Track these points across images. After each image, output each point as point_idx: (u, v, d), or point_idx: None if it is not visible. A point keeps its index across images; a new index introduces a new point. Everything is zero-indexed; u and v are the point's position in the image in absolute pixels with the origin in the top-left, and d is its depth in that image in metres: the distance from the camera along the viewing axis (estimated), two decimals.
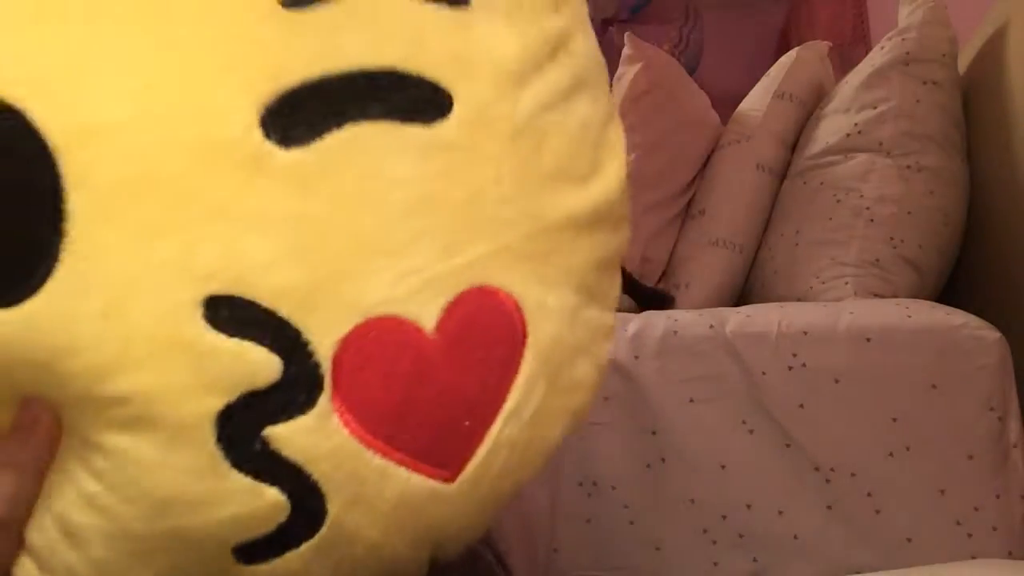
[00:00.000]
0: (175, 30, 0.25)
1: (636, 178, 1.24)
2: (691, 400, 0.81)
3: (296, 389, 0.25)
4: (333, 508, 0.26)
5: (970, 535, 0.73)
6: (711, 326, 0.84)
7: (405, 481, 0.26)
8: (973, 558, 0.73)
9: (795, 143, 1.23)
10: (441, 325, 0.26)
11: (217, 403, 0.24)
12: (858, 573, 0.71)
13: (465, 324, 0.27)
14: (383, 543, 0.27)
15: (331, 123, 0.26)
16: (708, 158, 1.31)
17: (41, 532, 0.27)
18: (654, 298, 1.12)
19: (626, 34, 1.41)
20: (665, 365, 0.82)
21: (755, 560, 0.77)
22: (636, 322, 0.88)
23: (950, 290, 1.02)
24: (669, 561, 0.79)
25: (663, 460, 0.80)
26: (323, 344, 0.25)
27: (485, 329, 0.28)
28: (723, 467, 0.79)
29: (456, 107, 0.27)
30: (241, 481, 0.25)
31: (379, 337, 0.26)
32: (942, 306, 0.83)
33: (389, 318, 0.26)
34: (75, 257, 0.24)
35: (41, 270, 0.24)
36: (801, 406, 0.78)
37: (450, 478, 0.27)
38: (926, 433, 0.76)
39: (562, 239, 0.30)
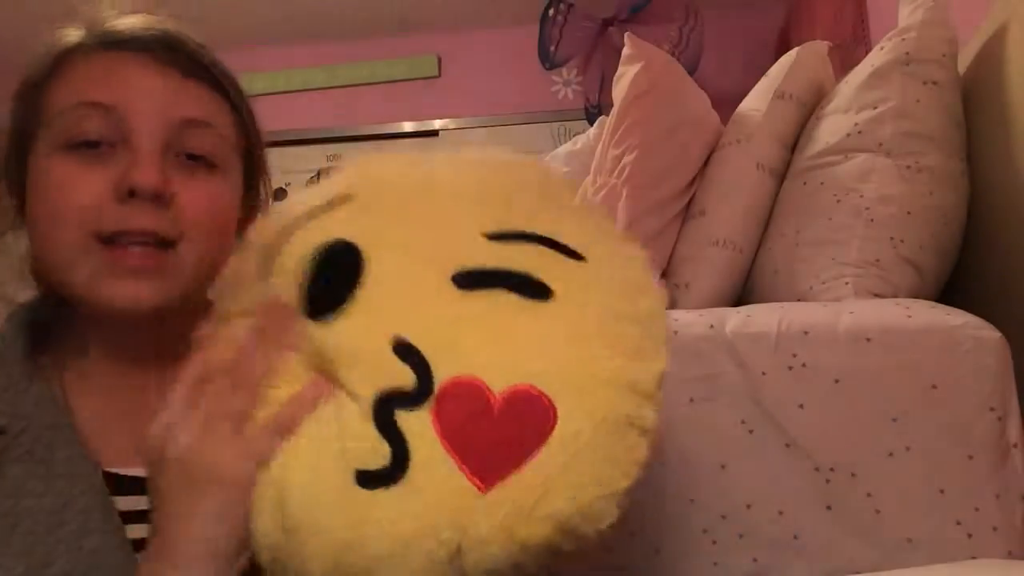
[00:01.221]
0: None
1: (636, 178, 1.25)
2: (691, 400, 0.81)
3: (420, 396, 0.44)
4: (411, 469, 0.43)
5: (970, 535, 0.73)
6: (711, 326, 0.84)
7: (452, 468, 0.43)
8: (973, 558, 0.73)
9: (795, 143, 1.23)
10: (505, 398, 0.44)
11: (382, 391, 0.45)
12: (858, 573, 0.71)
13: (518, 400, 0.44)
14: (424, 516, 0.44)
15: None
16: (708, 158, 1.31)
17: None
18: None
19: (626, 34, 1.41)
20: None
21: (755, 560, 0.77)
22: None
23: (950, 290, 1.02)
24: (669, 561, 0.79)
25: (663, 460, 0.80)
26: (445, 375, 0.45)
27: (530, 409, 0.44)
28: (723, 467, 0.79)
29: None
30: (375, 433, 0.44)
31: (467, 386, 0.44)
32: (942, 306, 0.83)
33: (476, 379, 0.45)
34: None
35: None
36: (801, 406, 0.78)
37: (482, 488, 0.43)
38: (926, 433, 0.76)
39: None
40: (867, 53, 1.16)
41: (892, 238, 0.96)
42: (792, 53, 1.32)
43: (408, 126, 3.42)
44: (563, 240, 0.50)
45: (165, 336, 0.60)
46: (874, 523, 0.75)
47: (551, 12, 2.96)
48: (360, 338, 0.46)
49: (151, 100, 0.58)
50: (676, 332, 0.84)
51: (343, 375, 0.45)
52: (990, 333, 0.77)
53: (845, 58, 1.98)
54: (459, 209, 0.51)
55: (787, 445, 0.78)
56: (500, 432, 0.44)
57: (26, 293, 0.65)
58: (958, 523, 0.74)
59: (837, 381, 0.78)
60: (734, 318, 0.85)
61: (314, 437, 0.45)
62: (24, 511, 0.51)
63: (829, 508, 0.76)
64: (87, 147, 0.57)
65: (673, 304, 1.14)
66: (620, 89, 1.34)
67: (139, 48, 0.59)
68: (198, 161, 0.60)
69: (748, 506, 0.78)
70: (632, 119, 1.28)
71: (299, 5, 3.15)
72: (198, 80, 0.61)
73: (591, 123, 2.14)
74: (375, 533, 0.43)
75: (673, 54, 2.52)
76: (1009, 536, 0.73)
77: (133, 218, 0.55)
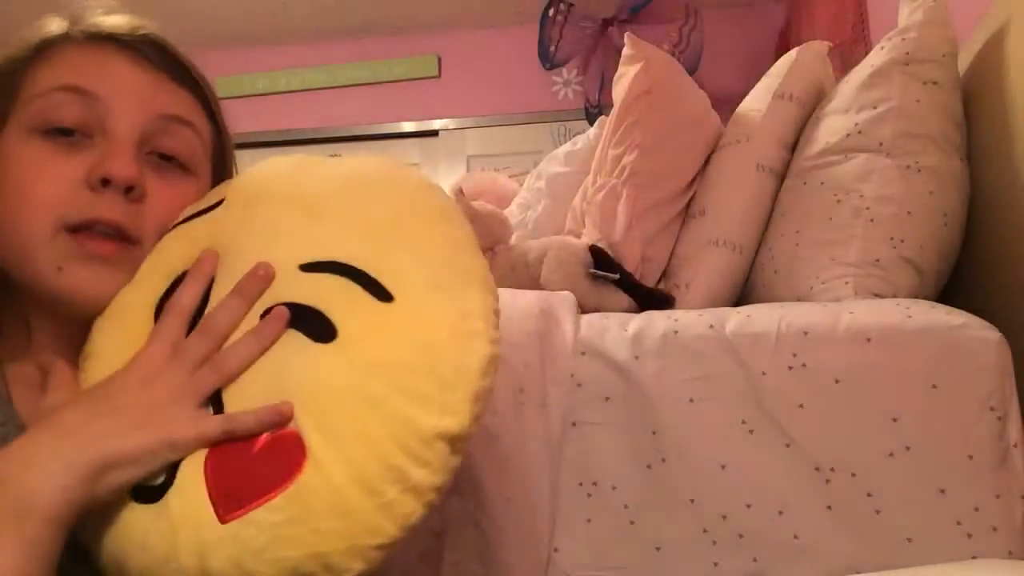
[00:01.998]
0: None
1: (636, 178, 1.24)
2: (691, 400, 0.81)
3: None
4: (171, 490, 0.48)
5: (970, 535, 0.73)
6: (711, 326, 0.84)
7: (202, 495, 0.46)
8: (973, 558, 0.73)
9: (795, 143, 1.23)
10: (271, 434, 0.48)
11: None
12: (858, 573, 0.71)
13: (279, 440, 0.47)
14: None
15: None
16: (708, 158, 1.31)
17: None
18: (654, 298, 1.12)
19: (626, 34, 1.41)
20: (665, 365, 0.82)
21: (755, 560, 0.77)
22: (636, 322, 0.88)
23: (950, 290, 1.02)
24: (669, 561, 0.79)
25: (663, 460, 0.80)
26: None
27: (285, 449, 0.47)
28: (723, 467, 0.79)
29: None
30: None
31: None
32: (942, 306, 0.83)
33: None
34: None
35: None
36: (801, 406, 0.78)
37: (221, 519, 0.45)
38: (926, 433, 0.76)
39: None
40: (867, 53, 1.16)
41: (892, 238, 0.96)
42: (792, 53, 1.31)
43: (408, 126, 3.41)
44: (381, 277, 0.50)
45: None
46: (874, 523, 0.75)
47: (551, 12, 2.96)
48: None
49: (132, 93, 0.58)
50: (676, 332, 0.84)
51: None
52: (990, 333, 0.77)
53: (845, 58, 1.98)
54: (292, 229, 0.55)
55: (787, 445, 0.78)
56: (251, 468, 0.46)
57: None
58: (958, 523, 0.74)
59: (837, 381, 0.78)
60: (734, 318, 0.85)
61: None
62: None
63: (829, 508, 0.76)
64: (61, 134, 0.56)
65: (673, 304, 1.14)
66: (620, 89, 1.34)
67: (125, 44, 0.59)
68: (171, 162, 0.60)
69: (748, 506, 0.78)
70: (632, 119, 1.28)
71: (299, 5, 3.15)
72: (179, 81, 0.61)
73: (591, 123, 2.14)
74: (134, 548, 0.46)
75: (673, 54, 2.52)
76: (1009, 536, 0.73)
77: (103, 208, 0.55)
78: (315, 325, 0.49)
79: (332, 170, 0.60)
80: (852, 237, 0.98)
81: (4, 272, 0.59)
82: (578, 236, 1.35)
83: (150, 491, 0.47)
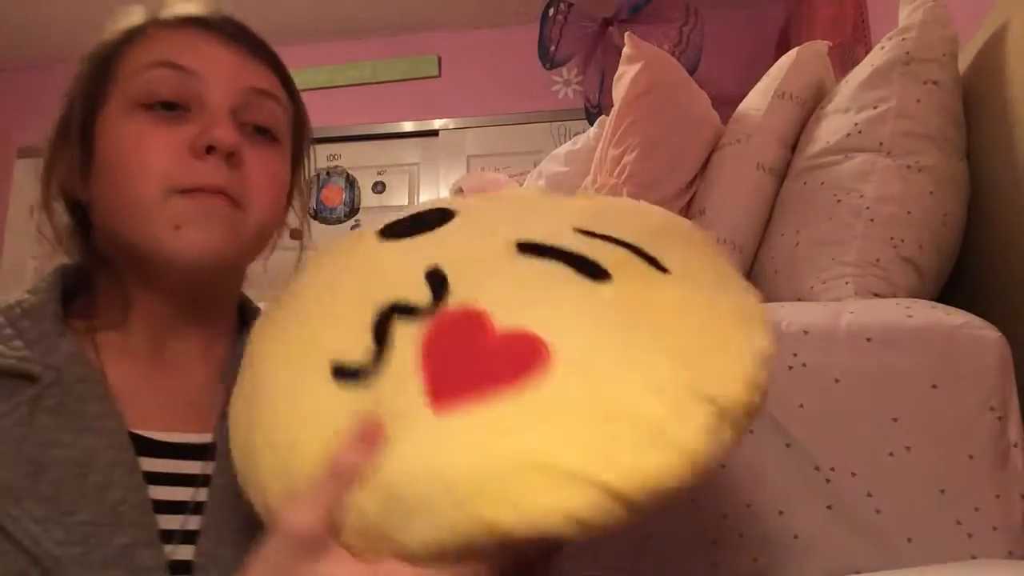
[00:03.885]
0: None
1: (636, 178, 1.25)
2: None
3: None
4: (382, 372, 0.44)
5: (970, 535, 0.73)
6: None
7: (414, 381, 0.42)
8: (973, 558, 0.73)
9: (795, 143, 1.23)
10: (501, 337, 0.42)
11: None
12: (858, 573, 0.71)
13: (515, 340, 0.42)
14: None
15: None
16: (708, 158, 1.31)
17: None
18: None
19: (626, 34, 1.41)
20: None
21: (755, 560, 0.77)
22: None
23: (950, 290, 1.02)
24: (669, 561, 0.79)
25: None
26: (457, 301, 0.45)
27: (523, 349, 0.42)
28: (723, 467, 0.79)
29: None
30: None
31: (470, 314, 0.44)
32: (942, 306, 0.83)
33: (482, 311, 0.44)
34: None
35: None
36: (801, 406, 0.78)
37: (431, 406, 0.41)
38: (926, 433, 0.76)
39: None
40: (867, 53, 1.16)
41: (892, 238, 0.96)
42: (792, 53, 1.31)
43: (408, 126, 3.41)
44: (659, 257, 0.47)
45: (204, 307, 0.64)
46: (874, 523, 0.75)
47: (551, 12, 2.96)
48: (404, 260, 0.48)
49: (224, 68, 0.62)
50: None
51: (377, 287, 0.47)
52: (990, 333, 0.77)
53: (845, 58, 1.98)
54: (556, 204, 0.54)
55: (787, 445, 0.78)
56: (477, 360, 0.41)
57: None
58: (958, 523, 0.74)
59: (837, 381, 0.78)
60: None
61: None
62: (51, 459, 0.52)
63: (829, 508, 0.76)
64: (162, 108, 0.60)
65: None
66: (620, 89, 1.34)
67: (208, 26, 0.64)
68: (262, 134, 0.64)
69: (748, 506, 0.78)
70: (632, 119, 1.28)
71: (299, 6, 3.15)
72: (261, 58, 0.65)
73: (591, 123, 2.14)
74: (317, 435, 0.43)
75: (673, 54, 2.52)
76: (1009, 536, 0.73)
77: (208, 174, 0.58)
78: (588, 266, 0.45)
79: (569, 201, 0.58)
80: (852, 237, 0.98)
81: (108, 245, 0.63)
82: None
83: (350, 372, 0.44)
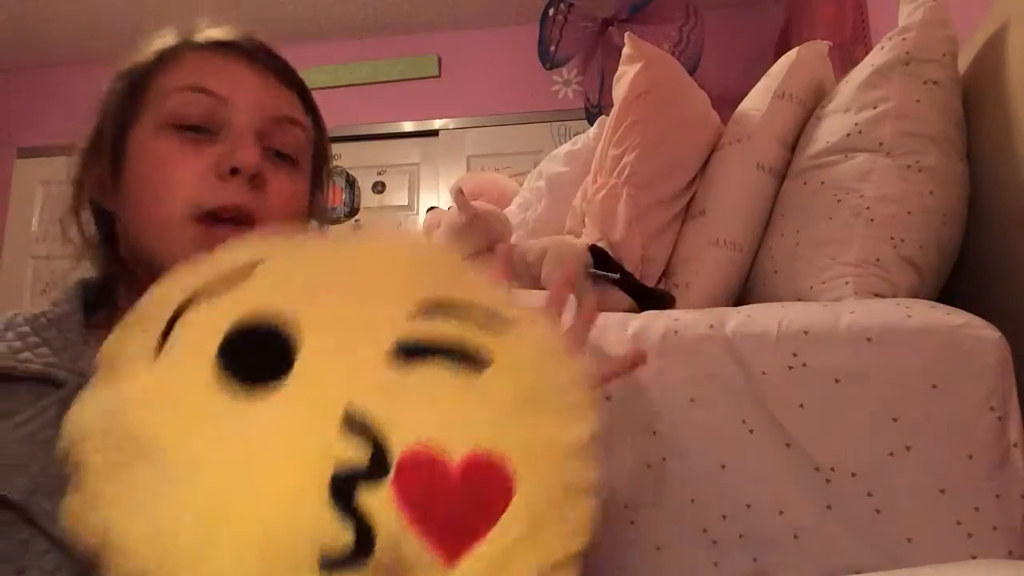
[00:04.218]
0: None
1: (636, 178, 1.25)
2: (691, 400, 0.81)
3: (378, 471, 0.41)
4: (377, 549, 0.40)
5: (970, 535, 0.73)
6: (711, 326, 0.84)
7: (418, 544, 0.40)
8: (973, 558, 0.73)
9: (795, 143, 1.23)
10: (462, 466, 0.42)
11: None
12: (858, 573, 0.71)
13: (477, 468, 0.42)
14: None
15: None
16: (708, 158, 1.31)
17: None
18: (654, 298, 1.12)
19: (626, 34, 1.41)
20: (665, 365, 0.82)
21: (755, 560, 0.77)
22: (636, 322, 0.88)
23: (950, 290, 1.02)
24: (669, 561, 0.79)
25: (663, 460, 0.80)
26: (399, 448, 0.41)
27: (490, 477, 0.42)
28: (723, 467, 0.79)
29: None
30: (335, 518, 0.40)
31: (424, 456, 0.42)
32: (942, 306, 0.83)
33: (431, 449, 0.42)
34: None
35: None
36: (801, 406, 0.78)
37: (446, 562, 0.40)
38: (926, 433, 0.76)
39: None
40: (867, 53, 1.16)
41: (892, 238, 0.96)
42: (792, 53, 1.32)
43: (408, 126, 3.42)
44: (486, 305, 0.49)
45: None
46: (874, 523, 0.75)
47: (551, 12, 2.96)
48: (304, 414, 0.42)
49: (251, 94, 0.65)
50: (676, 332, 0.84)
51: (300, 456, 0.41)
52: (990, 333, 0.77)
53: (845, 58, 1.98)
54: (380, 282, 0.50)
55: (787, 445, 0.78)
56: (461, 503, 0.42)
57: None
58: (958, 523, 0.74)
59: (837, 381, 0.78)
60: (734, 318, 0.85)
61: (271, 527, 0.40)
62: None
63: (829, 508, 0.76)
64: (190, 130, 0.62)
65: (673, 304, 1.14)
66: (620, 89, 1.34)
67: (241, 51, 0.66)
68: (284, 159, 0.67)
69: (748, 506, 0.78)
70: (632, 119, 1.28)
71: (298, 6, 3.15)
72: (286, 82, 0.68)
73: (591, 123, 2.14)
74: None
75: (673, 54, 2.52)
76: (1009, 536, 0.73)
77: (230, 194, 0.61)
78: (463, 359, 0.46)
79: (352, 239, 0.56)
80: (852, 237, 0.98)
81: (130, 255, 0.65)
82: (578, 236, 1.35)
83: (343, 562, 0.40)
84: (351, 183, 3.40)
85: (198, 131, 0.63)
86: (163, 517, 0.40)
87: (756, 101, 1.29)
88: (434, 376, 0.45)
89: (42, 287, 3.37)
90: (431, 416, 0.43)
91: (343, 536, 0.40)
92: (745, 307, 0.91)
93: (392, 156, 3.43)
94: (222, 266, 0.49)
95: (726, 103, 1.42)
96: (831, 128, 1.12)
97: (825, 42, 1.36)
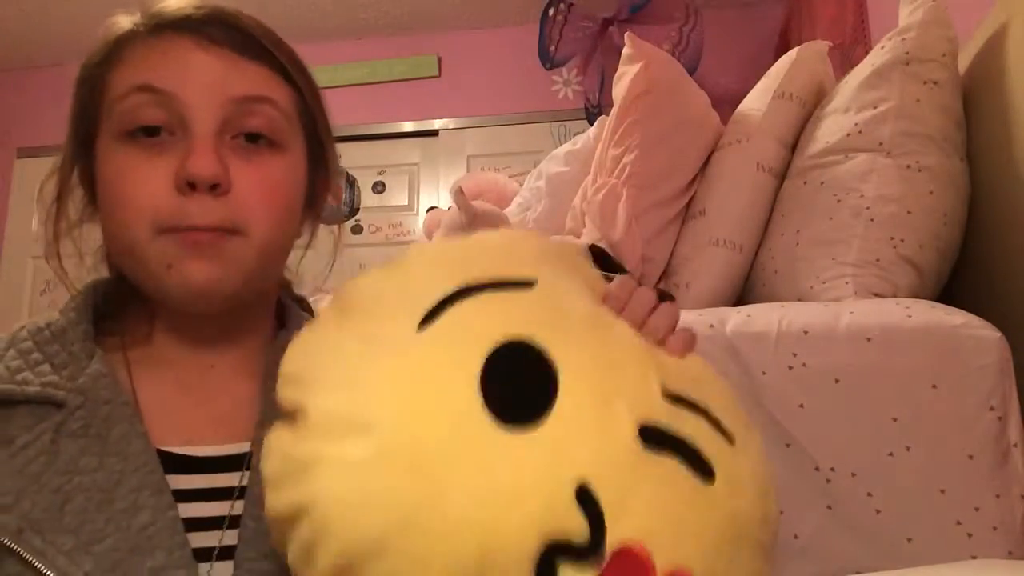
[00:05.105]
0: None
1: (636, 178, 1.25)
2: None
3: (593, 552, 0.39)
4: None
5: (970, 535, 0.73)
6: (711, 326, 0.84)
7: None
8: (973, 558, 0.73)
9: (795, 143, 1.23)
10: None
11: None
12: (858, 573, 0.71)
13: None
14: None
15: None
16: (708, 158, 1.31)
17: None
18: None
19: (626, 34, 1.41)
20: None
21: None
22: None
23: (950, 290, 1.02)
24: None
25: None
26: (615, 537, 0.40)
27: None
28: None
29: None
30: None
31: (635, 557, 0.40)
32: (942, 306, 0.83)
33: (644, 551, 0.40)
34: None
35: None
36: (801, 406, 0.78)
37: None
38: (926, 433, 0.76)
39: None
40: (867, 53, 1.16)
41: (892, 238, 0.96)
42: (792, 53, 1.32)
43: (408, 126, 3.41)
44: (721, 418, 0.47)
45: (230, 319, 0.61)
46: (874, 523, 0.75)
47: (551, 12, 2.96)
48: (544, 470, 0.39)
49: (205, 81, 0.57)
50: None
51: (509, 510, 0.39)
52: (990, 333, 0.77)
53: (845, 58, 1.98)
54: (630, 353, 0.46)
55: (787, 445, 0.78)
56: None
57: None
58: (958, 523, 0.74)
59: (837, 381, 0.78)
60: (734, 318, 0.85)
61: None
62: (75, 487, 0.51)
63: (829, 508, 0.76)
64: (146, 135, 0.56)
65: None
66: (620, 89, 1.34)
67: (191, 29, 0.58)
68: (257, 142, 0.58)
69: None
70: (632, 119, 1.28)
71: (299, 6, 3.15)
72: (250, 56, 0.59)
73: (591, 123, 2.14)
74: None
75: (673, 54, 2.52)
76: (1009, 536, 0.73)
77: (194, 212, 0.55)
78: (697, 462, 0.44)
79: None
80: (852, 237, 0.98)
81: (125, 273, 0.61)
82: (578, 236, 1.35)
83: None
84: (351, 183, 3.40)
85: (153, 134, 0.56)
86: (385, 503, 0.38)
87: (756, 101, 1.29)
88: (671, 471, 0.43)
89: (42, 287, 3.37)
90: (655, 512, 0.41)
91: None
92: (745, 307, 0.91)
93: (392, 156, 3.43)
94: (493, 262, 0.47)
95: (726, 103, 1.42)
96: (831, 128, 1.12)
97: (825, 42, 1.36)
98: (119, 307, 0.63)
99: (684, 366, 0.51)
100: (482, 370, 0.41)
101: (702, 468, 0.43)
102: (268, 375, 0.59)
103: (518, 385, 0.41)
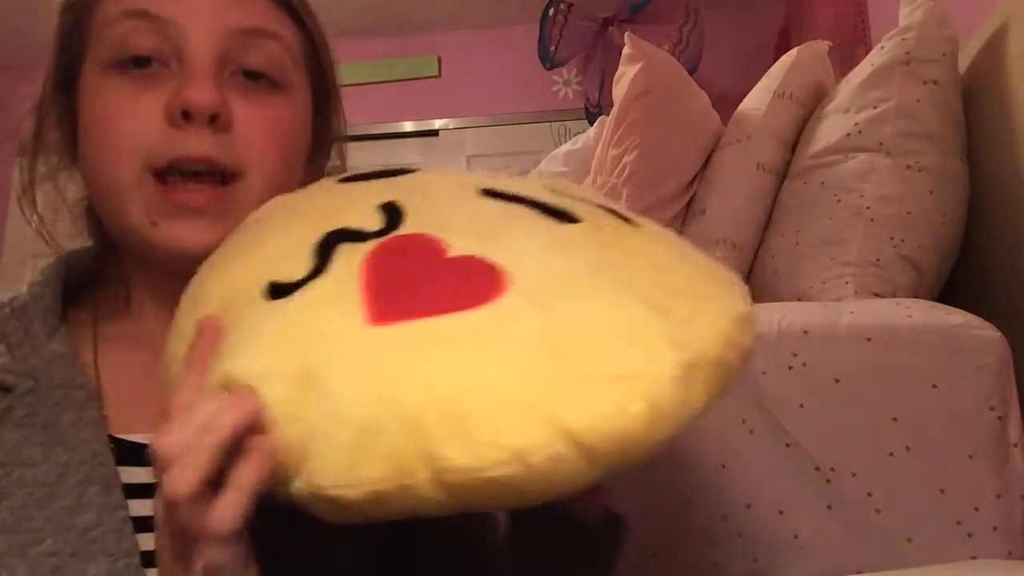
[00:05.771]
0: None
1: (636, 178, 1.24)
2: None
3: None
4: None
5: (970, 535, 0.73)
6: None
7: (352, 294, 0.37)
8: (973, 558, 0.73)
9: (795, 143, 1.23)
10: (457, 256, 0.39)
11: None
12: (858, 573, 0.71)
13: (470, 263, 0.38)
14: None
15: None
16: (708, 158, 1.31)
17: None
18: None
19: (626, 34, 1.41)
20: None
21: (755, 560, 0.77)
22: None
23: (950, 290, 1.02)
24: (668, 562, 0.78)
25: (663, 459, 0.80)
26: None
27: (479, 272, 0.38)
28: (723, 467, 0.79)
29: None
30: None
31: (423, 239, 0.40)
32: (942, 306, 0.83)
33: (435, 237, 0.40)
34: None
35: None
36: (801, 406, 0.78)
37: (370, 320, 0.36)
38: (926, 433, 0.76)
39: None
40: (867, 53, 1.16)
41: (892, 238, 0.96)
42: (792, 53, 1.32)
43: (408, 126, 3.42)
44: (629, 217, 0.45)
45: None
46: (874, 523, 0.75)
47: (551, 12, 2.96)
48: (361, 196, 0.45)
49: (204, 10, 0.52)
50: None
51: (329, 218, 0.43)
52: (990, 333, 0.77)
53: (845, 58, 1.98)
54: (528, 178, 0.49)
55: (787, 445, 0.78)
56: (425, 282, 0.37)
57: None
58: (958, 523, 0.74)
59: (837, 381, 0.78)
60: None
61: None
62: (15, 482, 0.46)
63: (829, 508, 0.76)
64: (137, 65, 0.51)
65: None
66: (620, 89, 1.34)
67: None
68: (258, 80, 0.54)
69: (748, 506, 0.78)
70: (632, 119, 1.28)
71: None
72: None
73: (591, 123, 2.14)
74: (252, 349, 0.37)
75: (673, 54, 2.52)
76: (1009, 536, 0.73)
77: (189, 144, 0.49)
78: (556, 212, 0.42)
79: None
80: (852, 237, 0.98)
81: (106, 227, 0.56)
82: None
83: (283, 288, 0.39)
84: None
85: (145, 65, 0.51)
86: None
87: (756, 101, 1.29)
88: (509, 211, 0.42)
89: None
90: (471, 225, 0.40)
91: (298, 272, 0.39)
92: None
93: (392, 156, 3.43)
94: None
95: (726, 103, 1.41)
96: (831, 128, 1.12)
97: (825, 42, 1.36)
98: (96, 277, 0.58)
99: None
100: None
101: (562, 216, 0.41)
102: None
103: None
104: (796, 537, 0.76)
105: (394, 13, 3.26)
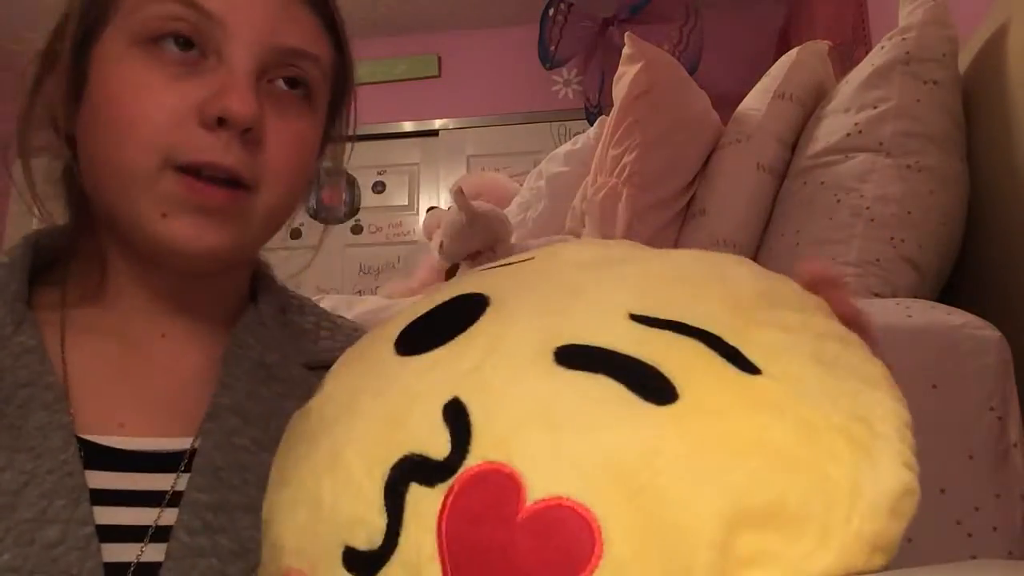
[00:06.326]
0: None
1: (636, 178, 1.25)
2: None
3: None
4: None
5: (970, 535, 0.73)
6: None
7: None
8: (973, 558, 0.73)
9: (795, 143, 1.23)
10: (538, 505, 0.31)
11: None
12: (858, 573, 0.71)
13: (550, 515, 0.30)
14: None
15: None
16: (708, 158, 1.31)
17: None
18: None
19: (626, 34, 1.41)
20: None
21: None
22: None
23: (950, 290, 1.02)
24: None
25: None
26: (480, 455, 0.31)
27: (564, 530, 0.30)
28: None
29: None
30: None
31: (498, 475, 0.31)
32: (942, 306, 0.83)
33: (513, 472, 0.31)
34: None
35: None
36: None
37: None
38: (926, 433, 0.75)
39: None
40: (867, 53, 1.16)
41: (892, 238, 0.96)
42: (792, 53, 1.32)
43: (408, 126, 3.42)
44: (743, 347, 0.34)
45: (198, 289, 0.54)
46: None
47: (551, 12, 2.96)
48: (421, 386, 0.35)
49: (255, 17, 0.49)
50: None
51: (392, 428, 0.35)
52: (990, 333, 0.77)
53: (845, 58, 1.98)
54: (610, 273, 0.39)
55: None
56: (514, 551, 0.30)
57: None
58: (958, 523, 0.74)
59: None
60: None
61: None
62: None
63: None
64: (177, 45, 0.48)
65: None
66: (620, 89, 1.34)
67: None
68: (294, 90, 0.52)
69: None
70: (632, 119, 1.28)
71: None
72: (305, 4, 0.52)
73: (591, 123, 2.14)
74: None
75: (673, 54, 2.52)
76: (1009, 536, 0.73)
77: (217, 151, 0.47)
78: (647, 380, 0.33)
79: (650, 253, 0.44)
80: (852, 237, 0.98)
81: (91, 206, 0.53)
82: (578, 236, 1.35)
83: (363, 560, 0.33)
84: (351, 183, 3.40)
85: (191, 49, 0.48)
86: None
87: (756, 101, 1.29)
88: (588, 388, 0.33)
89: None
90: (545, 433, 0.32)
91: (373, 527, 0.33)
92: None
93: (392, 156, 3.43)
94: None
95: (726, 103, 1.42)
96: (831, 128, 1.12)
97: (825, 42, 1.37)
98: (66, 252, 0.55)
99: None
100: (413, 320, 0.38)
101: (655, 389, 0.32)
102: (229, 357, 0.53)
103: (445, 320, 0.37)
104: None
105: (394, 13, 3.26)
